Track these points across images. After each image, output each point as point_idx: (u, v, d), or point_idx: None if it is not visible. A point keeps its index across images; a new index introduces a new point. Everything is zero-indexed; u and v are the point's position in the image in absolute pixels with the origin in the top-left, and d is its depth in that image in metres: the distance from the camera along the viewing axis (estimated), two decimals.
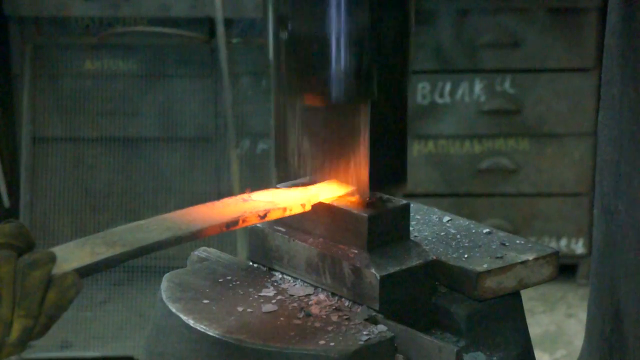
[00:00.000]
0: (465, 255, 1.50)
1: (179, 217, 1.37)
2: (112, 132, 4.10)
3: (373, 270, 1.41)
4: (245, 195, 1.47)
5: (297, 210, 1.47)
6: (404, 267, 1.43)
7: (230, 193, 3.94)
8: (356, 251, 1.45)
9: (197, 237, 1.35)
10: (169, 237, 1.33)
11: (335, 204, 1.49)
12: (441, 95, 4.16)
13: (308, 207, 1.48)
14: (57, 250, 1.27)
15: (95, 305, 3.97)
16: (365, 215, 1.45)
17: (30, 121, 4.02)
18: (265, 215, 1.43)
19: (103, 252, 1.28)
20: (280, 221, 1.51)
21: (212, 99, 4.09)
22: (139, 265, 3.97)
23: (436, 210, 1.66)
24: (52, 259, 1.22)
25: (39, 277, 1.19)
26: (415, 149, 4.20)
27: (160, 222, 1.36)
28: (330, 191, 1.51)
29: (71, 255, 1.26)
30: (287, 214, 1.46)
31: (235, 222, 1.39)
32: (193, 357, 1.38)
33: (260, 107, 4.09)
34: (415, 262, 1.45)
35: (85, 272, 1.25)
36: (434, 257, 1.47)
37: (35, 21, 4.07)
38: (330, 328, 1.38)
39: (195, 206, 1.42)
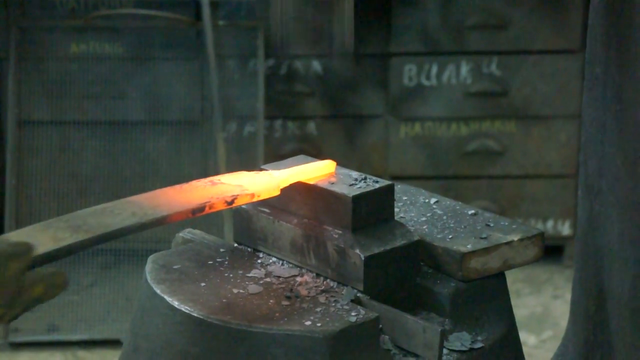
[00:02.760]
0: (450, 236, 1.50)
1: (146, 201, 1.35)
2: (98, 116, 4.09)
3: (357, 251, 1.41)
4: (214, 178, 1.45)
5: (266, 195, 1.44)
6: (388, 247, 1.43)
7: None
8: (340, 232, 1.45)
9: (162, 223, 1.33)
10: (133, 224, 1.30)
11: (320, 184, 1.49)
12: (428, 77, 4.16)
13: (277, 192, 1.46)
14: (21, 233, 1.25)
15: (82, 288, 3.97)
16: (350, 195, 1.45)
17: (15, 104, 4.00)
18: (232, 202, 1.40)
19: (66, 238, 1.25)
20: (265, 202, 1.51)
21: (198, 81, 4.08)
22: (126, 249, 3.97)
23: (424, 191, 1.66)
24: (30, 249, 1.21)
25: (16, 268, 1.19)
26: (402, 131, 4.19)
27: (126, 206, 1.33)
28: (300, 175, 1.50)
29: (33, 240, 1.24)
30: (256, 199, 1.44)
31: (201, 209, 1.36)
32: (178, 338, 1.38)
33: (247, 90, 4.08)
34: (399, 242, 1.45)
35: (48, 258, 1.23)
36: (419, 238, 1.48)
37: (20, 3, 4.05)
38: (318, 309, 1.38)
39: (163, 189, 1.39)
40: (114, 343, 3.73)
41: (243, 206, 1.54)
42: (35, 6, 4.06)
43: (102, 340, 3.77)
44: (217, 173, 3.90)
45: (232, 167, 3.94)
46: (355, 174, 1.52)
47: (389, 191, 1.49)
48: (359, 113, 4.18)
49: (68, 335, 3.79)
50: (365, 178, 1.51)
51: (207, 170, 4.03)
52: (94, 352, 3.76)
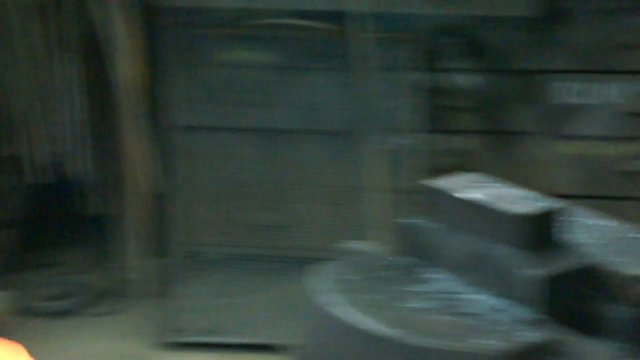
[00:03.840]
0: (624, 260, 1.48)
1: None
2: (255, 123, 4.15)
3: (528, 271, 1.41)
4: None
5: None
6: (560, 269, 1.42)
7: (371, 187, 3.95)
8: (511, 250, 1.44)
9: None
10: None
11: (489, 203, 1.49)
12: (586, 96, 4.10)
13: None
14: None
15: (245, 292, 4.01)
16: (522, 214, 1.45)
17: (176, 110, 4.10)
18: None
19: None
20: (434, 218, 1.52)
21: (352, 93, 4.11)
22: (291, 257, 4.01)
23: (590, 212, 1.65)
24: None
25: None
26: (559, 149, 4.14)
27: None
28: None
29: None
30: None
31: None
32: (351, 352, 1.39)
33: (402, 102, 4.09)
34: (571, 265, 1.44)
35: None
36: (591, 261, 1.46)
37: (186, 12, 4.15)
38: (488, 327, 1.38)
39: None
40: (270, 348, 3.77)
41: (412, 220, 1.56)
42: (193, 14, 4.15)
43: (259, 344, 3.81)
44: (371, 184, 3.90)
45: (386, 179, 3.96)
46: (524, 193, 1.52)
47: (560, 211, 1.48)
48: (515, 129, 4.15)
49: (227, 338, 3.85)
50: (535, 197, 1.50)
51: (362, 181, 4.06)
52: (250, 356, 3.81)
